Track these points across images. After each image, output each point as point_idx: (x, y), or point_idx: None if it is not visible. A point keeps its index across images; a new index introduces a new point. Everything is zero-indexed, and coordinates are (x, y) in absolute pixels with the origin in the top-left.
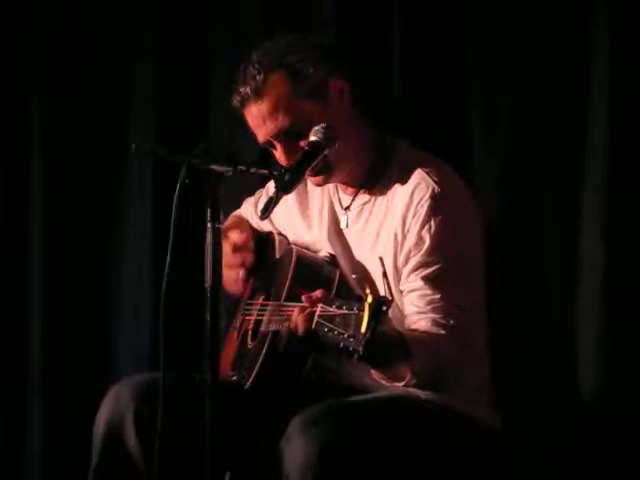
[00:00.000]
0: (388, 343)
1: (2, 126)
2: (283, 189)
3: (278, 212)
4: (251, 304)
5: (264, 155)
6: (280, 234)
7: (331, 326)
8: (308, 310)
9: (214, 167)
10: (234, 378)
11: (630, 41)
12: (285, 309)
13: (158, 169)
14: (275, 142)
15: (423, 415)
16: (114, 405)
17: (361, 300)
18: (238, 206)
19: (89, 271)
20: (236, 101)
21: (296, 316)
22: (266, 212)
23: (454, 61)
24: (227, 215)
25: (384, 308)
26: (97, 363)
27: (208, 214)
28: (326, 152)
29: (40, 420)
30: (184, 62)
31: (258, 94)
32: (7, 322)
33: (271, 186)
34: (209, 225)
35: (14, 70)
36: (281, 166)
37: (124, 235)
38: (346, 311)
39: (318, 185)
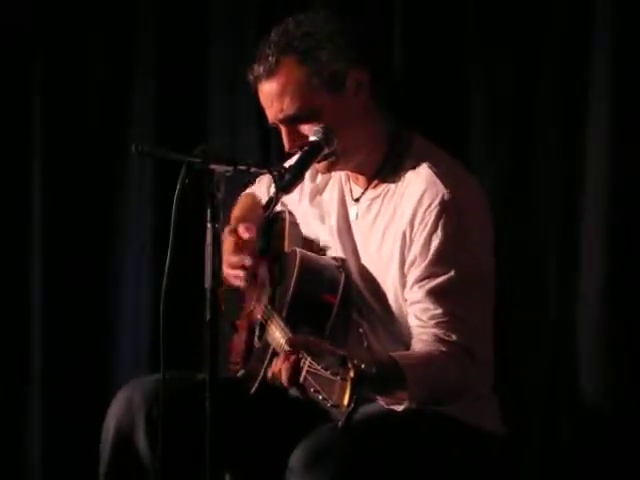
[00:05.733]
0: (383, 377)
1: (2, 126)
2: (283, 189)
3: (294, 200)
4: (260, 296)
5: (264, 155)
6: (291, 213)
7: (318, 388)
8: (293, 360)
9: (214, 167)
10: (241, 373)
11: (632, 42)
12: (283, 328)
13: (158, 169)
14: (279, 125)
15: (431, 432)
16: (124, 410)
17: (344, 364)
18: None
19: (89, 271)
20: (250, 77)
21: (280, 364)
22: (266, 212)
23: (453, 61)
24: (226, 216)
25: (365, 381)
26: (97, 363)
27: (208, 214)
28: (326, 151)
29: (40, 420)
30: (184, 62)
31: (268, 75)
32: (7, 322)
33: (271, 186)
34: (209, 225)
35: (14, 70)
36: (281, 166)
37: (124, 235)
38: (331, 376)
39: (322, 172)
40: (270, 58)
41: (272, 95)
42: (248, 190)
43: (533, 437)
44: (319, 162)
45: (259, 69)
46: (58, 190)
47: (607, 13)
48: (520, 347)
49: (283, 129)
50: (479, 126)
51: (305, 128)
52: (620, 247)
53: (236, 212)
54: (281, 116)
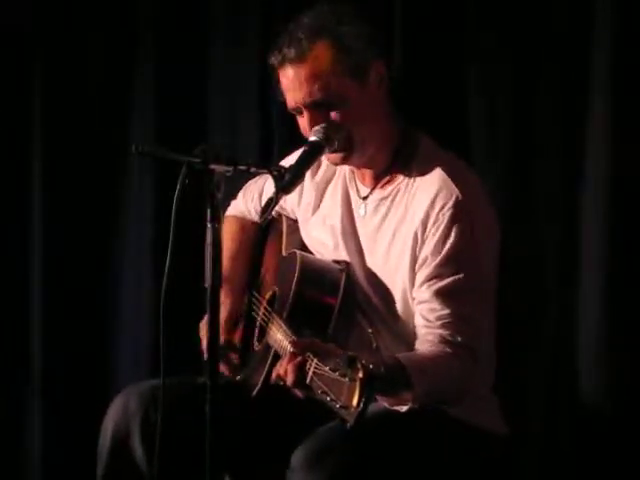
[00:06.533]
0: (389, 378)
1: (2, 126)
2: (283, 189)
3: (294, 200)
4: (258, 298)
5: (264, 155)
6: (289, 218)
7: (325, 389)
8: (298, 362)
9: (214, 167)
10: (239, 378)
11: (632, 42)
12: (285, 330)
13: (158, 170)
14: (303, 109)
15: (431, 432)
16: (120, 415)
17: (353, 365)
18: None
19: (89, 271)
20: (274, 59)
21: (285, 365)
22: (265, 213)
23: (453, 61)
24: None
25: (375, 382)
26: (97, 363)
27: (208, 214)
28: (326, 151)
29: (40, 420)
30: (184, 62)
31: (300, 59)
32: (7, 322)
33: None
34: (209, 225)
35: (14, 70)
36: (281, 166)
37: (124, 235)
38: (338, 377)
39: (335, 164)
40: (304, 41)
41: (300, 79)
42: (228, 213)
43: (533, 437)
44: (333, 153)
45: (290, 52)
46: (58, 190)
47: (607, 13)
48: (520, 347)
49: (307, 114)
50: (479, 126)
51: (330, 114)
52: (620, 247)
53: (227, 242)
54: (309, 100)
